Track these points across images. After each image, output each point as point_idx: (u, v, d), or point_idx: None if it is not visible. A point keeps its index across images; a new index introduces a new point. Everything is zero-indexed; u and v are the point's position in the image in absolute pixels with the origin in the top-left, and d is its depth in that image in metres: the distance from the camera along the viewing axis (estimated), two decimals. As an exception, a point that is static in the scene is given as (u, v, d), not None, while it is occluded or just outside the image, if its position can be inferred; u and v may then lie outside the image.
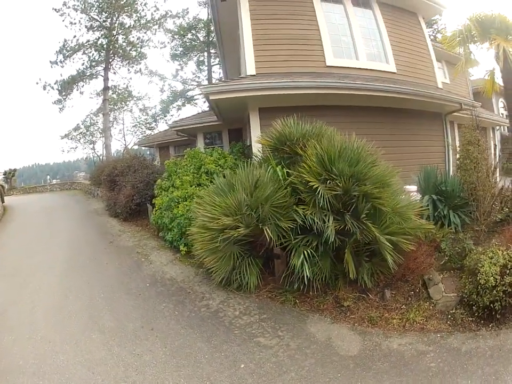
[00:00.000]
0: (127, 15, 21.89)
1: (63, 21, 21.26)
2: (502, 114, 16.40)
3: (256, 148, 7.09)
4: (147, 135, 25.36)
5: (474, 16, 5.68)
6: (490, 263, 3.98)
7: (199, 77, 26.47)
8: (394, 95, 6.91)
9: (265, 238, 4.84)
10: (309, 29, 7.64)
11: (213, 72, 25.24)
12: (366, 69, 7.80)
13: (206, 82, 25.17)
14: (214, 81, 24.57)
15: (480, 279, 3.92)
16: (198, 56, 25.05)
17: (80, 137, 26.23)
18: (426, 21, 9.46)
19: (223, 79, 20.81)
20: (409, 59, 8.39)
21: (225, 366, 3.60)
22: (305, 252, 4.58)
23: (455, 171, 7.58)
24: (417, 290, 4.68)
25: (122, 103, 26.32)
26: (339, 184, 4.63)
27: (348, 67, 7.79)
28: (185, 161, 8.27)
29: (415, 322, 4.16)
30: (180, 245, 6.86)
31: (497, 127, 15.20)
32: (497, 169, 6.50)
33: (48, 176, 31.65)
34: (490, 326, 3.94)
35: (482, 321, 4.00)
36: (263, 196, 4.81)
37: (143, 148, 24.99)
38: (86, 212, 12.17)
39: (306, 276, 4.47)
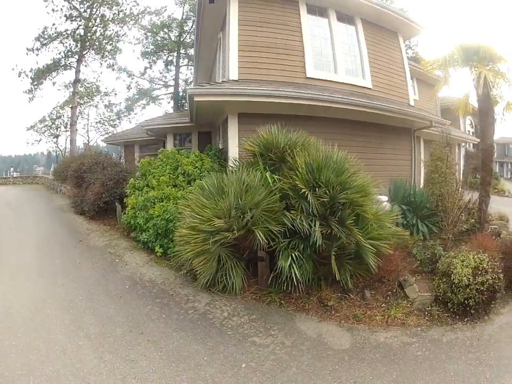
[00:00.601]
0: (108, 7, 21.40)
1: (46, 7, 20.40)
2: (468, 131, 18.04)
3: (233, 152, 7.18)
4: (110, 132, 24.99)
5: (459, 44, 6.27)
6: (463, 265, 4.56)
7: (166, 76, 26.11)
8: (375, 111, 7.39)
9: (252, 241, 4.98)
10: (293, 39, 7.91)
11: (181, 73, 25.06)
12: (344, 83, 8.25)
13: (173, 82, 25.19)
14: (180, 82, 24.76)
15: (454, 279, 4.46)
16: (167, 55, 24.61)
17: (45, 130, 25.62)
18: (405, 40, 10.26)
19: (192, 80, 20.86)
20: (385, 76, 9.00)
21: (226, 366, 3.64)
22: (293, 255, 4.78)
23: (422, 184, 8.29)
24: (394, 291, 5.13)
25: (89, 97, 25.76)
26: (327, 192, 4.91)
27: (327, 80, 8.16)
28: (160, 161, 8.11)
29: (396, 318, 4.59)
30: (156, 246, 6.71)
31: (463, 144, 16.54)
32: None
33: (12, 169, 29.68)
34: (465, 320, 4.50)
35: (457, 316, 4.54)
36: (253, 200, 4.92)
37: (101, 146, 24.02)
38: (51, 208, 11.43)
39: (295, 277, 4.65)
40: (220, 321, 4.54)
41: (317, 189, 4.94)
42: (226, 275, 5.13)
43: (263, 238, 4.64)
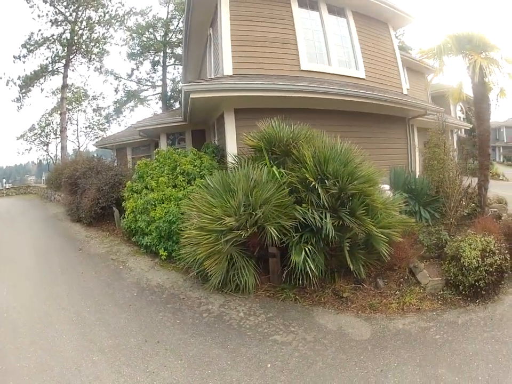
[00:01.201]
0: (93, 10, 21.14)
1: (32, 13, 20.53)
2: (459, 117, 18.40)
3: (231, 148, 7.09)
4: (100, 136, 24.66)
5: (453, 33, 6.42)
6: (471, 248, 4.64)
7: (153, 77, 25.90)
8: (375, 102, 7.45)
9: (263, 238, 4.91)
10: (286, 33, 7.85)
11: (168, 72, 24.84)
12: (338, 75, 8.25)
13: (160, 82, 25.01)
14: (168, 81, 24.62)
15: (463, 262, 4.55)
16: (154, 56, 24.36)
17: (35, 138, 25.16)
18: (396, 30, 10.38)
19: (180, 80, 20.65)
20: (378, 66, 9.05)
21: (252, 368, 3.56)
22: (306, 249, 4.73)
23: (419, 171, 8.37)
24: (405, 278, 5.19)
25: (78, 102, 25.43)
26: (336, 183, 4.89)
27: (321, 72, 8.15)
28: (157, 162, 7.94)
29: (411, 305, 4.67)
30: (160, 250, 6.55)
31: (456, 130, 16.92)
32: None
33: (4, 180, 29.01)
34: (477, 301, 4.61)
35: (469, 298, 4.65)
36: (263, 196, 4.84)
37: (91, 151, 23.84)
38: (47, 217, 11.12)
39: (310, 271, 4.61)
40: (237, 322, 4.45)
41: (325, 180, 4.91)
42: (238, 274, 5.04)
43: (277, 234, 4.58)
